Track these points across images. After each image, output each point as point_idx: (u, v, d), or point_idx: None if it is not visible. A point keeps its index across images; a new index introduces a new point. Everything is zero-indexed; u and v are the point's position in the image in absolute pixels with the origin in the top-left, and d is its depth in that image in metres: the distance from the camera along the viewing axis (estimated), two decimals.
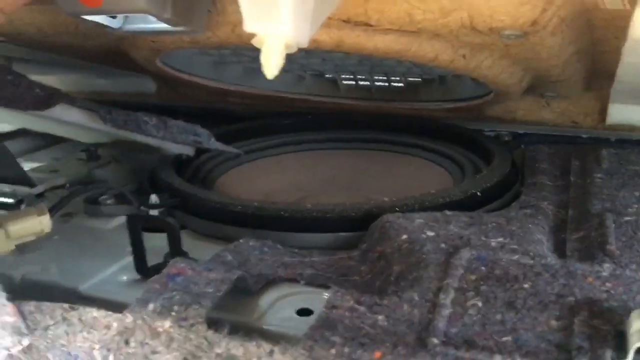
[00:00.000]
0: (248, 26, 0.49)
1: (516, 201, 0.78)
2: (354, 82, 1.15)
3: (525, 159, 0.95)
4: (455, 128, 1.04)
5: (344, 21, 0.64)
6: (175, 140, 0.89)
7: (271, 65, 0.49)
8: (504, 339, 0.45)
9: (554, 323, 0.46)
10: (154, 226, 0.65)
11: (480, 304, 0.49)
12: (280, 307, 0.58)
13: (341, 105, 1.16)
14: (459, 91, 1.04)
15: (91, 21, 0.66)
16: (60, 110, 0.83)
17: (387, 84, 1.13)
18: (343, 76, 1.14)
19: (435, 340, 0.45)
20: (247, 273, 0.59)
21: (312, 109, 1.18)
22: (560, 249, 0.65)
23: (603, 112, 0.99)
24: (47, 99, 0.77)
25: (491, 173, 0.81)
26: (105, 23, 0.67)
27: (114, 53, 0.95)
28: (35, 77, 1.37)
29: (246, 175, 1.04)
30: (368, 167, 1.09)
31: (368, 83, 1.13)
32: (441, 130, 1.05)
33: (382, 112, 1.14)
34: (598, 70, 0.84)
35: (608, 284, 0.50)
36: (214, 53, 1.08)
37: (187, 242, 0.74)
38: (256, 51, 1.07)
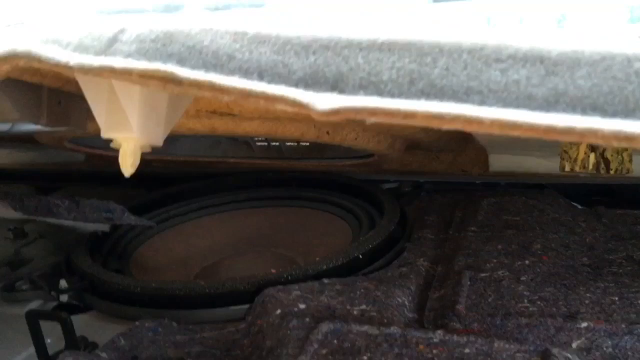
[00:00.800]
0: (105, 134, 0.57)
1: (398, 258, 0.86)
2: (266, 143, 1.22)
3: (417, 210, 1.04)
4: (356, 182, 1.12)
5: (211, 112, 0.72)
6: (87, 220, 0.95)
7: (128, 164, 0.56)
8: None
9: None
10: (50, 319, 0.71)
11: None
12: None
13: (256, 164, 1.24)
14: (360, 150, 1.12)
15: None
16: None
17: (296, 143, 1.21)
18: (256, 138, 1.22)
19: None
20: (135, 358, 0.66)
21: (230, 169, 1.25)
22: (421, 308, 0.73)
23: (487, 161, 1.08)
24: None
25: (374, 235, 0.89)
26: None
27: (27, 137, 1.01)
28: None
29: (166, 242, 1.10)
30: (282, 224, 1.16)
31: (278, 143, 1.21)
32: (344, 185, 1.14)
33: (293, 169, 1.22)
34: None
35: (435, 351, 0.58)
36: None
37: (94, 323, 0.80)
38: None
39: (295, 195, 1.19)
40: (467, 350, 0.58)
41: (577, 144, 0.74)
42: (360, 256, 0.83)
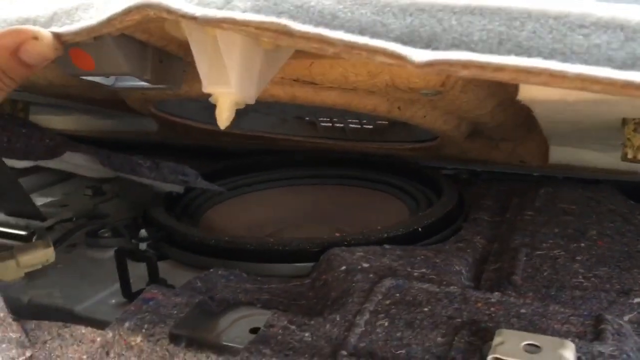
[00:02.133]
0: (205, 88, 0.63)
1: (454, 236, 0.90)
2: (330, 124, 1.28)
3: (474, 195, 1.08)
4: (415, 166, 1.17)
5: (294, 80, 0.78)
6: (166, 180, 1.02)
7: (223, 118, 0.63)
8: (399, 351, 0.57)
9: (439, 339, 0.58)
10: (137, 257, 0.78)
11: (387, 323, 0.61)
12: (237, 326, 0.70)
13: (319, 144, 1.29)
14: (420, 134, 1.17)
15: (89, 79, 0.81)
16: (68, 157, 0.97)
17: (359, 125, 1.26)
18: (320, 119, 1.28)
19: (344, 352, 0.57)
20: (211, 297, 0.72)
21: (294, 147, 1.31)
22: (477, 279, 0.77)
23: (547, 152, 1.10)
24: (55, 148, 0.91)
25: (433, 211, 0.93)
26: (100, 82, 0.82)
27: (115, 100, 1.10)
28: (51, 117, 1.53)
29: (231, 209, 1.17)
30: (341, 201, 1.22)
31: (342, 125, 1.26)
32: (404, 168, 1.18)
33: (355, 150, 1.27)
34: (531, 116, 0.96)
35: (492, 309, 0.62)
36: (203, 99, 1.22)
37: (170, 270, 0.87)
38: None
39: (355, 175, 1.24)
40: (523, 311, 0.62)
41: None
42: (420, 229, 0.88)
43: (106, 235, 0.95)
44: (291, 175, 1.27)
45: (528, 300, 0.63)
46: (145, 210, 1.03)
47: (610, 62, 0.39)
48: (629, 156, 0.77)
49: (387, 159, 1.22)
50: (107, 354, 0.63)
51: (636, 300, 0.66)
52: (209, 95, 0.65)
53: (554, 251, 0.79)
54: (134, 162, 0.99)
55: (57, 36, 0.57)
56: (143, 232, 0.90)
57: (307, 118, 1.30)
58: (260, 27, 0.46)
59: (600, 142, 1.01)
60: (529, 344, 0.52)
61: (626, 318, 0.65)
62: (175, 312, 0.65)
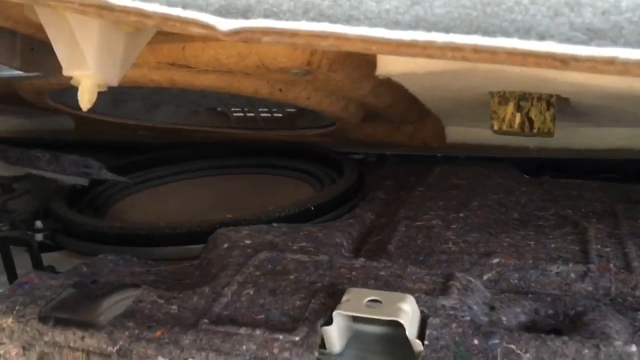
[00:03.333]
0: (66, 71, 0.64)
1: (349, 213, 0.93)
2: (242, 114, 1.30)
3: (378, 177, 1.11)
4: (322, 151, 1.20)
5: (170, 64, 0.80)
6: (66, 173, 1.02)
7: (85, 100, 0.64)
8: (259, 316, 0.60)
9: (298, 303, 0.60)
10: (19, 243, 0.79)
11: (252, 292, 0.63)
12: (119, 306, 0.72)
13: (233, 134, 1.31)
14: (326, 119, 1.20)
15: None
16: None
17: (269, 114, 1.28)
18: (232, 109, 1.30)
19: (205, 321, 0.59)
20: (95, 281, 0.73)
21: (207, 138, 1.33)
22: (359, 250, 0.80)
23: (444, 133, 1.15)
24: None
25: (328, 191, 0.96)
26: None
27: (12, 94, 1.09)
28: None
29: (141, 202, 1.18)
30: (252, 190, 1.23)
31: (254, 114, 1.29)
32: (311, 154, 1.21)
33: (268, 139, 1.29)
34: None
35: (354, 273, 0.65)
36: (112, 91, 1.22)
37: (64, 260, 0.88)
38: (148, 88, 1.21)
39: (265, 163, 1.26)
40: (382, 273, 0.65)
41: (505, 105, 0.81)
42: (312, 208, 0.91)
43: (4, 229, 0.95)
44: (201, 166, 1.28)
45: (389, 263, 0.67)
46: (46, 203, 1.03)
47: (396, 25, 0.42)
48: (495, 128, 0.81)
49: (295, 146, 1.25)
50: None
51: (495, 260, 0.70)
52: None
53: (432, 221, 0.83)
54: (32, 155, 0.99)
55: None
56: (38, 224, 0.90)
57: (219, 109, 1.31)
58: (84, 3, 0.48)
59: (488, 120, 1.06)
60: (371, 300, 0.55)
61: (485, 277, 0.69)
62: (48, 293, 0.66)
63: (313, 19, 0.44)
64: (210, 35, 0.46)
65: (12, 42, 0.71)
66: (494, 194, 0.94)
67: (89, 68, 0.62)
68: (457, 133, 1.13)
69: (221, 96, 1.23)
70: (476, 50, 0.39)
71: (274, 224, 0.84)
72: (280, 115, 1.27)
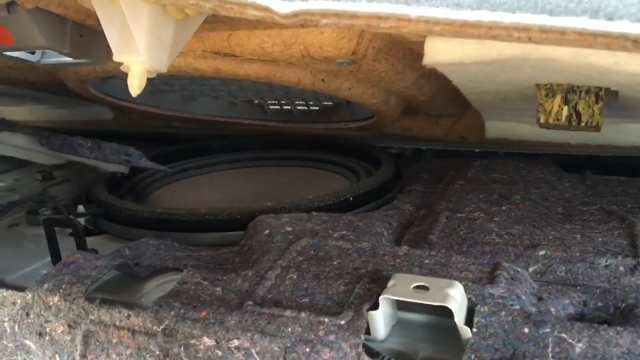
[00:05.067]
0: (116, 57, 0.65)
1: (387, 204, 0.93)
2: (278, 107, 1.30)
3: (415, 170, 1.10)
4: (358, 145, 1.19)
5: (215, 53, 0.80)
6: (108, 160, 1.04)
7: (134, 86, 0.65)
8: (303, 300, 0.60)
9: (342, 288, 0.60)
10: (65, 225, 0.80)
11: (295, 277, 0.63)
12: (162, 289, 0.72)
13: (268, 127, 1.31)
14: (362, 114, 1.19)
15: (15, 57, 0.82)
16: (6, 137, 0.98)
17: (306, 107, 1.28)
18: (269, 102, 1.30)
19: (250, 303, 0.59)
20: (137, 264, 0.74)
21: (244, 131, 1.33)
22: (399, 240, 0.80)
23: (483, 128, 1.13)
24: None
25: (366, 183, 0.95)
26: (25, 58, 0.83)
27: (55, 83, 1.11)
28: (3, 108, 1.54)
29: (178, 190, 1.19)
30: (289, 182, 1.24)
31: (290, 107, 1.29)
32: (348, 147, 1.21)
33: (303, 132, 1.29)
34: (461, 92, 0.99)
35: (397, 260, 0.65)
36: (151, 81, 1.24)
37: (106, 244, 0.89)
38: (186, 80, 1.23)
39: (301, 156, 1.26)
40: (426, 261, 0.64)
41: (552, 98, 0.80)
42: (351, 198, 0.90)
43: (46, 213, 0.97)
44: (240, 157, 1.29)
45: (433, 252, 0.66)
46: (87, 189, 1.05)
47: (459, 6, 0.42)
48: (542, 121, 0.80)
49: (332, 139, 1.25)
50: (27, 314, 0.65)
51: (541, 252, 0.69)
52: None
53: (474, 214, 0.82)
54: (74, 143, 1.01)
55: None
56: (80, 208, 0.91)
57: (256, 101, 1.32)
58: None
59: (530, 115, 1.04)
60: (418, 285, 0.55)
61: (531, 269, 0.68)
62: (94, 273, 0.67)
63: (374, 0, 0.44)
64: (266, 19, 0.46)
65: (62, 29, 0.72)
66: (535, 188, 0.93)
67: (139, 54, 0.63)
68: (497, 128, 1.11)
69: (258, 88, 1.24)
70: (544, 30, 0.38)
71: (313, 213, 0.84)
72: (317, 108, 1.27)
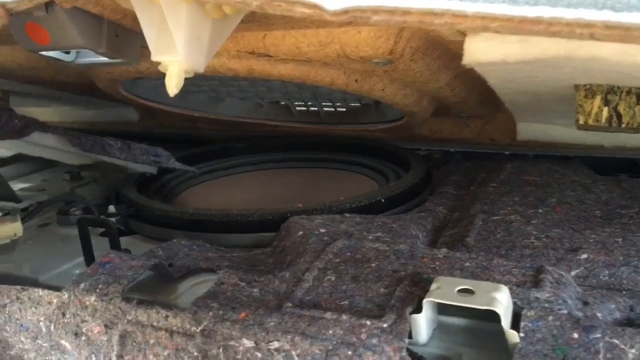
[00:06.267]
0: (154, 56, 0.65)
1: (420, 206, 0.92)
2: (305, 108, 1.30)
3: (444, 173, 1.09)
4: (386, 146, 1.18)
5: (250, 53, 0.80)
6: (137, 161, 1.04)
7: (172, 85, 0.64)
8: (343, 302, 0.59)
9: (382, 290, 0.59)
10: (99, 225, 0.80)
11: (333, 278, 0.62)
12: (196, 289, 0.72)
13: (295, 128, 1.31)
14: (390, 115, 1.18)
15: (50, 56, 0.83)
16: (38, 137, 0.98)
17: (333, 108, 1.27)
18: (296, 103, 1.30)
19: (289, 304, 0.58)
20: (171, 264, 0.74)
21: (270, 132, 1.33)
22: (434, 243, 0.78)
23: (515, 129, 1.12)
24: (23, 128, 0.93)
25: (397, 185, 0.94)
26: (60, 57, 0.83)
27: (86, 84, 1.11)
28: (31, 109, 1.55)
29: (206, 191, 1.19)
30: (316, 183, 1.23)
31: (317, 108, 1.28)
32: (376, 148, 1.20)
33: (329, 133, 1.28)
34: (494, 93, 0.97)
35: (437, 263, 0.64)
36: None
37: (137, 244, 0.89)
38: (214, 81, 1.22)
39: (328, 158, 1.25)
40: (467, 264, 0.63)
41: (592, 99, 0.78)
42: (383, 200, 0.89)
43: (77, 213, 0.97)
44: (267, 159, 1.28)
45: (474, 255, 0.65)
46: (116, 189, 1.05)
47: (515, 3, 0.41)
48: (581, 122, 0.78)
49: (359, 141, 1.24)
50: (64, 314, 0.65)
51: (583, 256, 0.68)
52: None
53: (510, 216, 0.80)
54: (104, 143, 1.01)
55: (1, 5, 0.59)
56: (111, 208, 0.91)
57: (283, 102, 1.31)
58: None
59: (564, 117, 1.02)
60: (463, 289, 0.54)
61: (573, 273, 0.66)
62: (130, 273, 0.67)
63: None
64: (314, 16, 0.45)
65: (99, 28, 0.72)
66: (571, 190, 0.91)
67: (177, 54, 0.62)
68: (528, 129, 1.09)
69: (286, 89, 1.23)
70: (608, 26, 0.37)
71: (347, 214, 0.83)
72: (344, 109, 1.26)
